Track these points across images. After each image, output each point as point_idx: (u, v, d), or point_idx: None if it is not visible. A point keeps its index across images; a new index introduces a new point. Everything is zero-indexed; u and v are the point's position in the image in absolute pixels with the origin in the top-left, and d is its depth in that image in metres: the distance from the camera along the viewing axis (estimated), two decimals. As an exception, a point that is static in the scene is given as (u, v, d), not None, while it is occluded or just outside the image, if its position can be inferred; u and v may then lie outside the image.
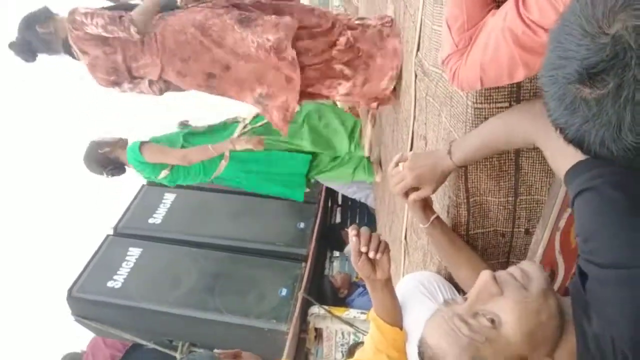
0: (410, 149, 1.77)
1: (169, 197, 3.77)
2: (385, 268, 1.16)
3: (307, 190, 3.10)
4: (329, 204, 4.43)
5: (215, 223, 3.61)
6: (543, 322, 0.77)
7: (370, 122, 2.67)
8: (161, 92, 2.33)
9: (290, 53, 2.03)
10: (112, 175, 2.79)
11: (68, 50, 2.18)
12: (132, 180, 4.02)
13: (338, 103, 2.98)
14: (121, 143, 2.75)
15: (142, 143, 2.69)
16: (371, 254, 1.12)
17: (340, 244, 4.01)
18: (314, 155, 2.86)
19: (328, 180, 3.39)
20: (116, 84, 2.22)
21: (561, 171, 0.85)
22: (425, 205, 1.31)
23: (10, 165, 6.63)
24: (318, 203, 3.87)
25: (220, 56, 2.08)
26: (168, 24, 2.11)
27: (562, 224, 1.08)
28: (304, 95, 2.21)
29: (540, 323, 0.77)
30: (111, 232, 3.53)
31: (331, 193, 4.28)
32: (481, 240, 1.38)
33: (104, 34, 2.03)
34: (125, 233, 3.51)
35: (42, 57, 2.28)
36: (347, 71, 2.13)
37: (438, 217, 1.33)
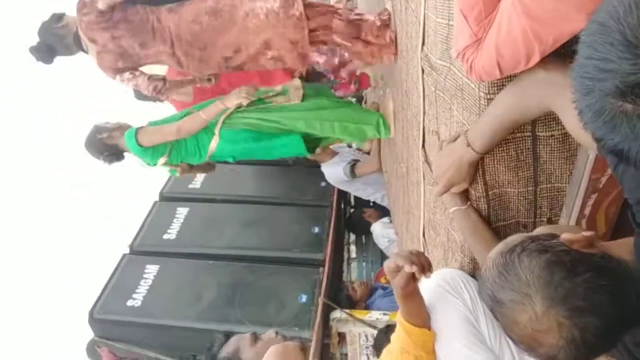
0: (422, 146, 1.74)
1: (182, 212, 3.77)
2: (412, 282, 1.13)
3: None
4: (342, 206, 4.42)
5: (230, 234, 3.60)
6: None
7: (390, 100, 2.60)
8: (156, 90, 2.38)
9: (299, 8, 2.19)
10: (109, 161, 2.69)
11: (78, 43, 2.28)
12: (145, 198, 4.05)
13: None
14: (120, 130, 2.66)
15: (138, 129, 2.62)
16: (423, 276, 1.08)
17: (367, 227, 3.99)
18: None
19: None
20: (121, 72, 2.29)
21: (583, 135, 0.82)
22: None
23: (24, 194, 6.70)
24: (331, 206, 3.86)
25: (232, 39, 2.24)
26: (182, 17, 2.21)
27: (587, 211, 1.05)
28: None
29: None
30: (127, 250, 3.54)
31: (343, 194, 4.26)
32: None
33: None
34: (142, 251, 3.51)
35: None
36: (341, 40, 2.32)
37: None
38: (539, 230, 0.89)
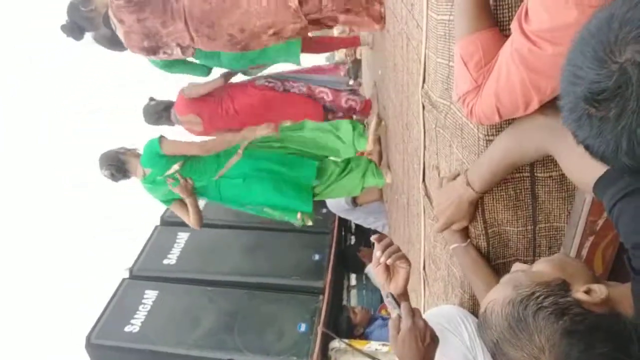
0: (423, 180, 1.76)
1: (183, 237, 3.78)
2: (398, 281, 1.17)
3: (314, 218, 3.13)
4: (343, 233, 4.42)
5: (230, 260, 3.60)
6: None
7: (375, 117, 2.82)
8: (192, 54, 2.67)
9: (294, 2, 2.41)
10: (109, 173, 2.76)
11: (107, 23, 2.54)
12: (145, 222, 4.06)
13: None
14: (136, 152, 2.83)
15: (162, 136, 2.76)
16: (382, 259, 1.12)
17: (359, 266, 3.98)
18: (321, 161, 3.01)
19: (339, 196, 3.34)
20: (151, 51, 2.55)
21: (579, 179, 0.89)
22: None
23: (23, 214, 6.69)
24: (332, 233, 3.86)
25: (235, 19, 2.45)
26: None
27: (585, 252, 1.06)
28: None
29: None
30: (127, 275, 3.53)
31: (344, 222, 4.26)
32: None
33: None
34: (141, 275, 3.51)
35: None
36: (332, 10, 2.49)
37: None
38: (542, 268, 0.86)
